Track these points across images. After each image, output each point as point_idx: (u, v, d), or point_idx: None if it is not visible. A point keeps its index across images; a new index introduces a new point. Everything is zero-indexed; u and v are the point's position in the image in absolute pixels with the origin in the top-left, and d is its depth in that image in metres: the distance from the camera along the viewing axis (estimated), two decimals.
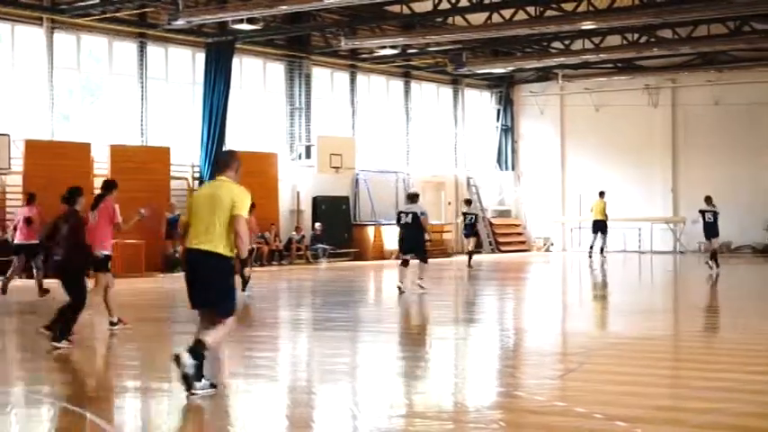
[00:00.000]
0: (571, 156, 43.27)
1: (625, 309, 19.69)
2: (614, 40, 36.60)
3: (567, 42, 38.32)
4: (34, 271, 21.26)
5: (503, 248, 41.60)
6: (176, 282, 25.70)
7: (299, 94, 35.02)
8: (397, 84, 39.90)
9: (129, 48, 30.37)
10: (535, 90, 43.83)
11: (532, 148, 44.34)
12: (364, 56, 37.05)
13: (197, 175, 31.20)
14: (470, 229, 31.81)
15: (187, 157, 31.26)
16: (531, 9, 31.53)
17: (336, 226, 35.35)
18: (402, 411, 9.48)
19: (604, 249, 35.17)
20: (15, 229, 21.87)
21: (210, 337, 9.73)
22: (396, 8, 32.97)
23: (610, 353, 13.08)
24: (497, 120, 44.38)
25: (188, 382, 9.53)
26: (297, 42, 34.99)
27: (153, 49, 30.79)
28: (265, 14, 29.42)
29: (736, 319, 17.08)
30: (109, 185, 15.77)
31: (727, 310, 19.35)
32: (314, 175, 34.78)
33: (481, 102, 44.42)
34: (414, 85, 40.42)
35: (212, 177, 10.64)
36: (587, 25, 31.91)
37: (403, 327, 16.63)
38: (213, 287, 9.80)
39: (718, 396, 9.61)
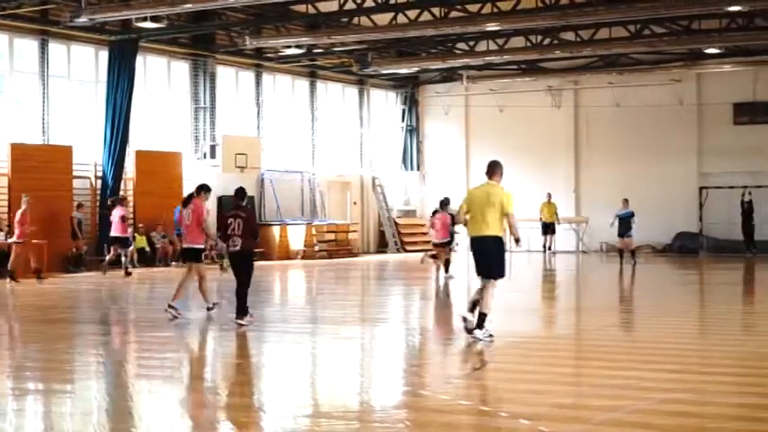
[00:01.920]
0: (475, 156, 43.53)
1: (529, 307, 19.95)
2: (518, 41, 36.97)
3: (471, 43, 38.66)
4: (122, 258, 27.13)
5: (408, 248, 41.74)
6: (79, 282, 25.42)
7: (204, 93, 34.76)
8: (303, 83, 39.83)
9: (30, 45, 29.82)
10: (440, 91, 44.08)
11: (437, 149, 44.61)
12: (270, 55, 36.89)
13: (99, 174, 30.82)
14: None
15: (90, 156, 30.82)
16: (436, 10, 31.76)
17: None
18: (308, 411, 9.48)
19: (552, 247, 36.06)
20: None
21: (485, 300, 13.56)
22: (301, 8, 32.92)
23: (514, 351, 13.21)
24: (402, 120, 44.56)
25: (471, 333, 13.53)
26: (201, 41, 34.72)
27: (55, 47, 30.29)
28: (169, 12, 29.14)
29: (637, 317, 17.37)
30: (200, 189, 17.77)
31: (629, 309, 19.65)
32: (219, 174, 34.54)
33: (386, 102, 44.55)
34: (319, 84, 40.37)
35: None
36: (491, 27, 32.21)
37: (309, 327, 16.61)
38: (495, 260, 13.69)
39: (619, 393, 9.77)
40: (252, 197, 35.93)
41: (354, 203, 41.53)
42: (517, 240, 13.63)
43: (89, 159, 30.83)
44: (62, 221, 28.55)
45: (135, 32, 30.81)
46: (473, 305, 13.73)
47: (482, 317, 13.51)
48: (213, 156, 34.41)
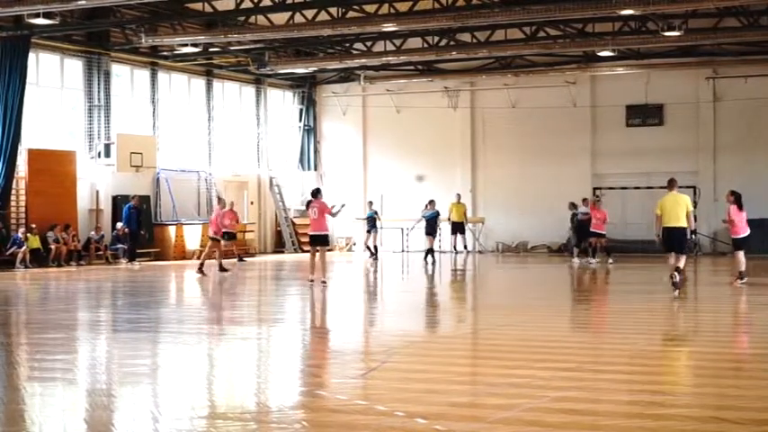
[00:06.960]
0: (373, 156, 43.73)
1: (426, 307, 20.04)
2: (415, 42, 37.19)
3: (368, 44, 38.77)
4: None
5: (305, 248, 41.58)
6: None
7: (98, 92, 34.29)
8: (199, 82, 39.53)
9: None
10: (337, 91, 44.12)
11: (335, 149, 44.63)
12: (165, 53, 36.54)
13: None
14: (372, 223, 35.88)
15: None
16: (333, 10, 31.79)
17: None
18: (204, 413, 9.41)
19: (467, 246, 36.32)
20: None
21: (682, 263, 20.21)
22: (197, 6, 32.67)
23: (411, 351, 13.26)
24: (300, 120, 44.50)
25: (677, 287, 19.76)
26: (96, 38, 34.26)
27: None
28: (62, 9, 28.69)
29: (530, 316, 17.55)
30: (318, 192, 23.49)
31: (522, 308, 19.83)
32: (113, 173, 34.17)
33: (284, 102, 44.45)
34: (216, 83, 40.12)
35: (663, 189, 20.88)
36: (389, 27, 32.34)
37: (205, 327, 16.48)
38: (682, 242, 20.55)
39: (514, 392, 9.86)
40: (147, 196, 35.60)
41: (251, 203, 41.35)
42: (693, 231, 20.85)
43: None
44: None
45: (27, 29, 30.28)
46: (676, 269, 19.92)
47: (679, 270, 20.11)
48: (108, 155, 34.04)
